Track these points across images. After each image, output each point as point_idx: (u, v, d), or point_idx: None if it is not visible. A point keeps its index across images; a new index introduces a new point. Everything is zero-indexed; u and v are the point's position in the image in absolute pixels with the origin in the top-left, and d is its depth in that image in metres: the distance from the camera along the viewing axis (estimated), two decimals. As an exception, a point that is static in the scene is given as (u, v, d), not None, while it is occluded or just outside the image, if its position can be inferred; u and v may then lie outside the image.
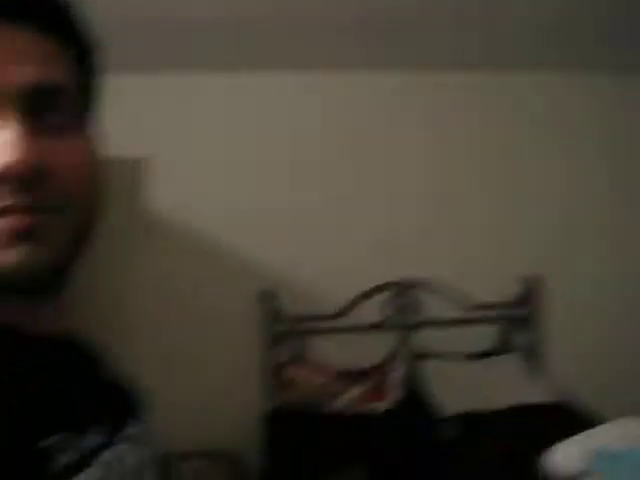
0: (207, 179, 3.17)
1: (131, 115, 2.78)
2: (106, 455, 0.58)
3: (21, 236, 0.51)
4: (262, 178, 3.20)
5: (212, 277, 3.16)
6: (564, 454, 2.17)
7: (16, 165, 0.50)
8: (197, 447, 2.91)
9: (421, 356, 3.09)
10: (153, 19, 2.50)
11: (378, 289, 3.17)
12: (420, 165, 3.31)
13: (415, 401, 2.84)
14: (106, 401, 0.65)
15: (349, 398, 2.91)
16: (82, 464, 0.54)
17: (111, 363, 0.73)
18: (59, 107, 0.55)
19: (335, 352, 3.09)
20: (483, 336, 3.23)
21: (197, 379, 3.09)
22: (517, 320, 3.26)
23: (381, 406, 2.85)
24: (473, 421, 2.63)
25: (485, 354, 3.19)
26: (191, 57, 2.98)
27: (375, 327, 3.15)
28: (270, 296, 3.09)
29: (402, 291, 3.19)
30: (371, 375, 3.02)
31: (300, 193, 3.22)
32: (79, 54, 0.60)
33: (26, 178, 0.51)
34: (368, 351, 3.11)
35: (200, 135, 3.19)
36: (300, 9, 2.51)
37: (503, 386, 2.94)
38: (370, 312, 3.15)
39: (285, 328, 3.10)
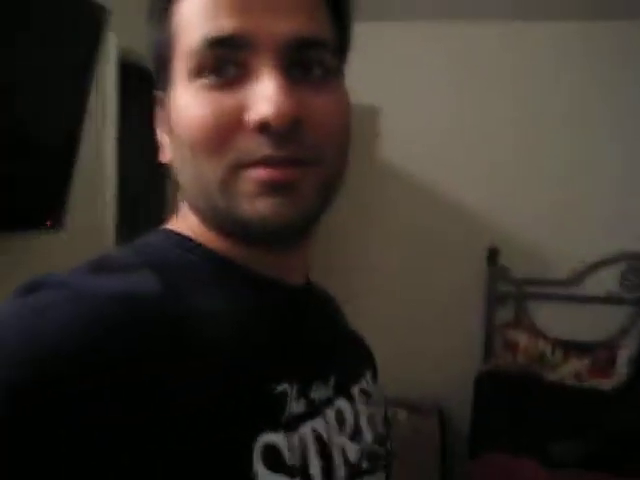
0: (437, 132, 3.12)
1: (363, 64, 2.80)
2: (336, 405, 0.60)
3: (276, 188, 0.52)
4: (494, 134, 3.09)
5: (441, 230, 3.14)
6: None
7: (275, 118, 0.51)
8: (407, 398, 2.95)
9: (656, 336, 2.85)
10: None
11: (612, 260, 2.96)
12: None
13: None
14: (342, 353, 0.67)
15: (570, 370, 2.77)
16: (311, 413, 0.56)
17: (346, 316, 0.75)
18: (319, 60, 0.55)
19: (560, 320, 2.95)
20: None
21: (417, 332, 3.13)
22: None
23: (606, 384, 2.68)
24: None
25: None
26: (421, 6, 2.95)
27: (606, 300, 2.95)
28: (497, 255, 3.02)
29: (638, 264, 2.94)
30: (597, 350, 2.85)
31: (533, 152, 3.07)
32: (337, 7, 0.60)
33: (284, 131, 0.52)
34: (595, 324, 2.93)
35: (430, 86, 3.14)
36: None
37: None
38: (600, 283, 2.96)
39: (510, 289, 3.01)
